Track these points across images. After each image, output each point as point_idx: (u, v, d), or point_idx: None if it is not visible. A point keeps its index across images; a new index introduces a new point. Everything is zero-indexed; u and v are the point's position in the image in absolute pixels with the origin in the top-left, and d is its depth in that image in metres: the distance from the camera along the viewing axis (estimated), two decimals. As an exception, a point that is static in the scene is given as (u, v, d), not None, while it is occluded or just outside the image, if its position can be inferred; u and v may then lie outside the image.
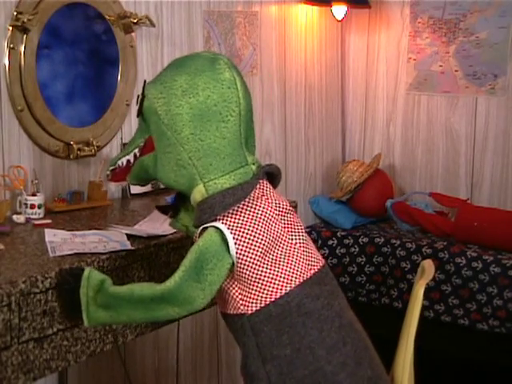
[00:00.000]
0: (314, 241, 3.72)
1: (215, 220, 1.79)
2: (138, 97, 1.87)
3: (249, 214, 1.80)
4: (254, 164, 1.87)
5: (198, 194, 1.82)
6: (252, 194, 1.83)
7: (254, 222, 1.80)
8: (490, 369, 3.33)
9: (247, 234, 1.78)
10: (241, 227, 1.78)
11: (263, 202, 1.84)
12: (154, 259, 2.12)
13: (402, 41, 3.95)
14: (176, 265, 2.16)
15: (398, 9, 3.93)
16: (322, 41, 3.90)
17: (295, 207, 2.74)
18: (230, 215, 1.79)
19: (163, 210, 2.06)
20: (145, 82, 1.90)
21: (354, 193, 3.76)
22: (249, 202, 1.82)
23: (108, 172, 2.02)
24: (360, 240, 3.63)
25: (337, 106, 4.08)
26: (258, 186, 1.85)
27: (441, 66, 3.84)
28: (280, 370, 1.81)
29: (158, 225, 2.24)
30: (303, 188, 3.89)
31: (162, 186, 2.82)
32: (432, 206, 3.75)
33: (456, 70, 3.79)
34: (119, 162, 1.98)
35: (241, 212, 1.80)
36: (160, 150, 1.85)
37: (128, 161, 1.96)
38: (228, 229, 1.77)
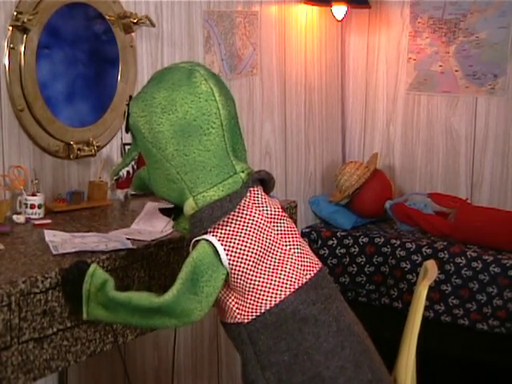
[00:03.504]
0: (314, 241, 3.73)
1: (206, 233, 1.80)
2: (125, 113, 1.89)
3: (239, 224, 1.81)
4: (243, 172, 1.86)
5: (188, 207, 1.84)
6: (242, 204, 1.83)
7: (244, 231, 1.80)
8: (490, 369, 3.33)
9: (238, 244, 1.79)
10: (231, 238, 1.79)
11: (253, 210, 1.84)
12: (153, 259, 2.12)
13: (402, 41, 3.95)
14: (176, 265, 2.16)
15: (398, 9, 3.93)
16: (322, 41, 3.90)
17: (295, 207, 2.74)
18: (220, 227, 1.80)
19: (166, 212, 2.07)
20: (130, 97, 1.92)
21: (352, 197, 3.76)
22: (239, 212, 1.82)
23: (113, 182, 2.05)
24: (360, 240, 3.63)
25: (337, 106, 4.08)
26: (247, 194, 1.85)
27: (441, 66, 3.84)
28: (279, 376, 1.81)
29: (155, 222, 2.25)
30: (303, 188, 3.89)
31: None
32: (432, 206, 3.75)
33: (456, 70, 3.79)
34: (120, 174, 1.99)
35: (231, 223, 1.81)
36: (150, 165, 1.87)
37: (128, 172, 1.98)
38: (218, 241, 1.78)
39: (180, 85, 1.81)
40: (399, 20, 3.94)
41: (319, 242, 3.72)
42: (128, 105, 1.88)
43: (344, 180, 3.75)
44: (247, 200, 1.84)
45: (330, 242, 3.70)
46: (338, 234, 3.69)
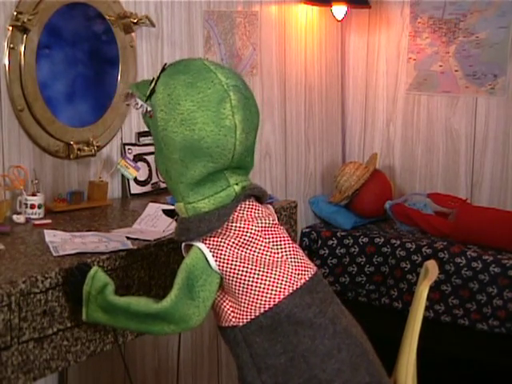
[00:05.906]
0: (314, 241, 3.73)
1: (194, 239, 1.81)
2: (153, 79, 1.82)
3: (227, 236, 1.81)
4: (237, 184, 1.85)
5: (178, 209, 1.87)
6: (231, 217, 1.82)
7: (233, 241, 1.80)
8: (489, 369, 3.33)
9: (226, 252, 1.79)
10: (220, 247, 1.80)
11: (242, 223, 1.83)
12: (154, 259, 2.12)
13: (402, 41, 3.95)
14: (176, 265, 2.16)
15: (398, 9, 3.93)
16: (322, 41, 3.90)
17: (295, 207, 2.74)
18: (207, 237, 1.81)
19: (168, 213, 2.07)
20: (165, 65, 1.84)
21: (352, 198, 3.76)
22: (227, 225, 1.82)
23: (133, 92, 1.88)
24: (360, 240, 3.63)
25: (337, 106, 4.08)
26: (237, 208, 1.84)
27: (441, 65, 3.83)
28: (275, 379, 1.81)
29: (157, 222, 2.25)
30: (303, 188, 3.89)
31: (162, 186, 2.82)
32: (431, 206, 3.75)
33: (456, 70, 3.79)
34: (141, 103, 1.86)
35: (219, 235, 1.81)
36: (157, 148, 1.87)
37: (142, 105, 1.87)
38: (207, 247, 1.79)
39: (207, 107, 1.75)
40: (399, 20, 3.94)
41: (319, 242, 3.71)
42: (162, 71, 1.81)
43: (343, 181, 3.75)
44: (236, 214, 1.84)
45: (330, 242, 3.69)
46: (337, 234, 3.69)
